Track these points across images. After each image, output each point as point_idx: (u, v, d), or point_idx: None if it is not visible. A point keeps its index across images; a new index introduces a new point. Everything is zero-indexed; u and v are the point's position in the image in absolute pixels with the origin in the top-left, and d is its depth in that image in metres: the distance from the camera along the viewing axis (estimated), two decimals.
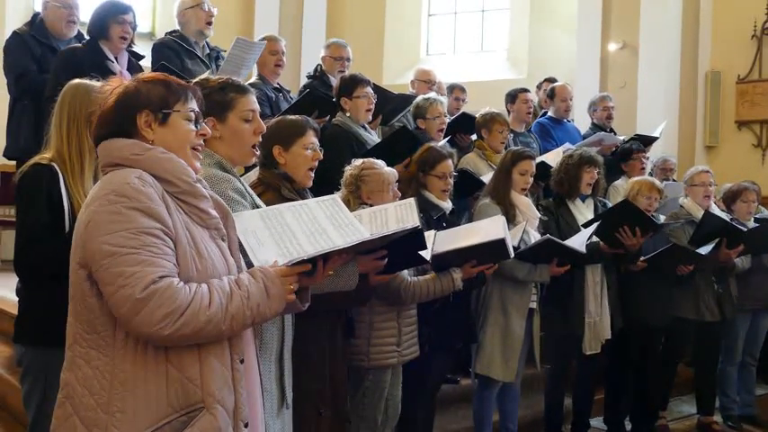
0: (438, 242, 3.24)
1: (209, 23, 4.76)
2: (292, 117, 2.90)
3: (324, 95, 4.68)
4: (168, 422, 1.66)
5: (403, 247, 2.58)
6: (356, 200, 3.24)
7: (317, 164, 2.79)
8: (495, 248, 3.41)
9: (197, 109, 1.91)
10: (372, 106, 4.46)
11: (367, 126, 4.49)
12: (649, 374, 4.73)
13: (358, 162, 3.35)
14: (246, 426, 1.79)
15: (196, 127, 1.89)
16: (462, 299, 3.71)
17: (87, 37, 4.35)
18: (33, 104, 4.31)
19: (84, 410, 1.68)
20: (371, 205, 3.18)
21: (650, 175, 5.52)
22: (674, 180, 6.09)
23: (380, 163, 3.35)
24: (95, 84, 2.60)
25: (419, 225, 2.60)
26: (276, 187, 2.70)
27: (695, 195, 4.98)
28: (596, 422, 4.84)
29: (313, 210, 2.12)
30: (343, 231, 2.07)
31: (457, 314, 3.68)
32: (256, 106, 2.39)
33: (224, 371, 1.75)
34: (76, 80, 2.69)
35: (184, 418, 1.68)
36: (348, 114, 4.40)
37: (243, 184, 2.38)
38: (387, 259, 2.56)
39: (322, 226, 2.07)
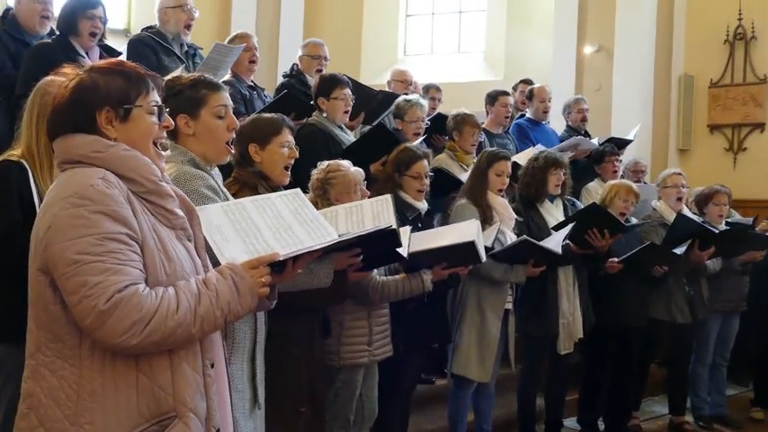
0: (413, 243, 3.24)
1: (188, 27, 4.73)
2: (268, 115, 2.90)
3: (302, 98, 4.66)
4: None
5: (378, 245, 2.58)
6: (325, 203, 3.21)
7: (293, 162, 2.78)
8: (466, 251, 3.41)
9: (159, 101, 1.80)
10: (350, 108, 4.45)
11: (343, 126, 4.48)
12: (623, 375, 4.78)
13: (323, 165, 3.32)
14: (218, 431, 1.75)
15: (159, 120, 1.79)
16: (437, 299, 3.72)
17: (57, 32, 4.28)
18: (7, 101, 4.24)
19: (51, 422, 1.60)
20: None
21: (621, 177, 5.57)
22: (645, 182, 6.15)
23: (346, 164, 3.33)
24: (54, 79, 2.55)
25: (393, 225, 2.60)
26: (252, 185, 2.69)
27: (668, 198, 5.04)
28: (570, 422, 4.88)
29: (276, 204, 2.08)
30: (309, 228, 2.04)
31: (432, 314, 3.68)
32: (229, 102, 2.38)
33: (196, 377, 1.69)
34: (50, 77, 2.64)
35: (155, 428, 1.62)
36: (325, 114, 4.39)
37: (216, 182, 2.36)
38: (362, 257, 2.56)
39: (287, 222, 2.02)
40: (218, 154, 2.37)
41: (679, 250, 4.66)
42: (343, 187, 3.25)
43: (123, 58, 4.51)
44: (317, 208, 3.09)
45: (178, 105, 2.29)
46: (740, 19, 7.82)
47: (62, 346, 1.62)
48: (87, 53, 4.15)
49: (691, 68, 8.11)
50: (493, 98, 5.93)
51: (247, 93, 4.83)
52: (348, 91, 4.42)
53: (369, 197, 3.25)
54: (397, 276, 3.38)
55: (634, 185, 4.76)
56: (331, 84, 4.40)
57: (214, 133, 2.33)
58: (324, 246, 1.97)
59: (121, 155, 1.69)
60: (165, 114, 1.82)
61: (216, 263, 1.83)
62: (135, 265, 1.60)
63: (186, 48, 4.82)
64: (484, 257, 3.51)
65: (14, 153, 2.59)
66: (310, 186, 3.30)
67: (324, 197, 3.24)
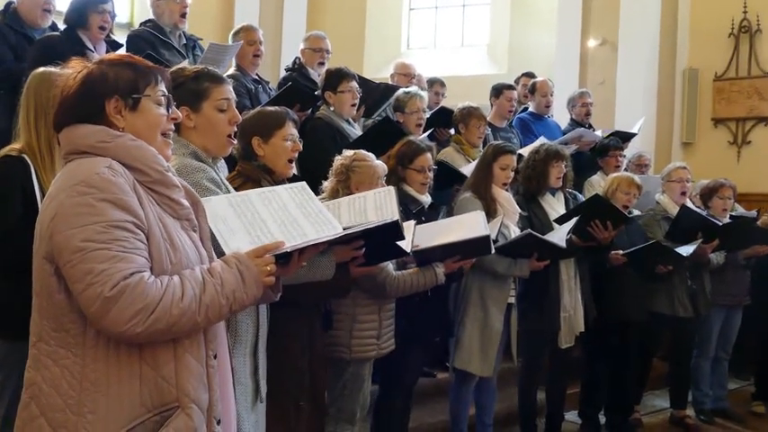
0: (419, 236, 3.25)
1: (184, 15, 4.71)
2: (271, 108, 2.89)
3: (306, 89, 4.66)
4: (141, 422, 1.61)
5: (381, 238, 2.58)
6: (345, 190, 3.24)
7: (296, 155, 2.78)
8: (479, 244, 3.44)
9: (167, 92, 1.82)
10: (357, 101, 4.46)
11: (351, 120, 4.49)
12: (624, 368, 4.78)
13: (349, 153, 3.35)
14: (219, 423, 1.75)
15: (167, 111, 1.81)
16: (440, 293, 3.73)
17: (63, 26, 4.29)
18: (10, 94, 4.24)
19: (52, 411, 1.61)
20: None
21: (625, 170, 5.56)
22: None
23: (371, 156, 3.36)
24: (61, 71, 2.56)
25: (396, 217, 2.60)
26: (256, 179, 2.68)
27: (672, 192, 5.03)
28: (571, 416, 4.89)
29: (282, 197, 2.09)
30: (314, 221, 2.04)
31: (434, 308, 3.69)
32: (232, 95, 2.38)
33: (199, 368, 1.70)
34: (41, 69, 2.64)
35: (157, 418, 1.63)
36: (332, 108, 4.39)
37: (218, 174, 2.36)
38: (364, 249, 2.56)
39: (293, 215, 2.03)
40: (219, 147, 2.37)
41: (686, 250, 4.62)
42: (365, 177, 3.26)
43: (124, 50, 4.53)
44: (338, 194, 3.14)
45: (180, 97, 2.29)
46: (745, 12, 7.78)
47: (65, 335, 1.63)
48: (95, 46, 4.17)
49: (695, 62, 8.07)
50: (498, 91, 5.92)
51: (252, 86, 4.83)
52: (355, 84, 4.43)
53: None
54: (410, 270, 3.40)
55: (636, 177, 4.74)
56: (338, 77, 4.41)
57: (215, 127, 2.33)
58: (329, 239, 1.98)
59: (128, 145, 1.70)
60: (173, 106, 1.84)
61: (221, 254, 1.83)
62: (140, 253, 1.61)
63: (185, 40, 4.81)
64: (493, 249, 3.53)
65: (15, 147, 2.59)
66: (332, 171, 3.31)
67: (344, 183, 3.26)
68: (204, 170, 2.28)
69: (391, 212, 2.85)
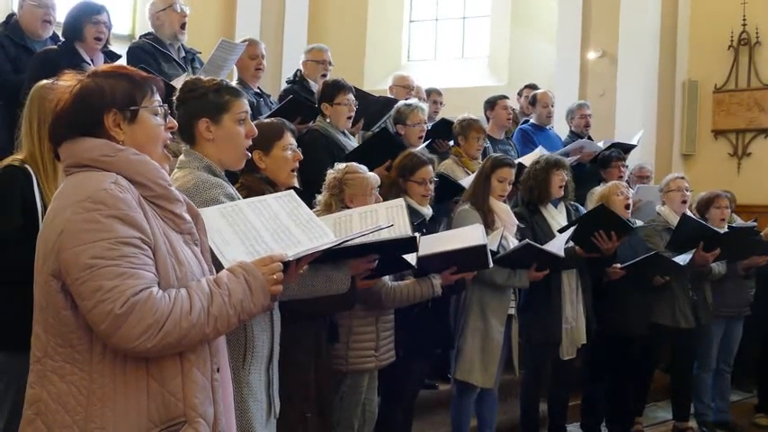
0: (420, 247, 3.25)
1: (183, 26, 4.71)
2: (268, 120, 2.90)
3: (307, 101, 4.67)
4: None
5: (394, 251, 2.58)
6: (338, 203, 3.25)
7: (297, 164, 2.78)
8: (476, 255, 3.43)
9: (162, 102, 1.81)
10: (353, 113, 4.46)
11: (347, 132, 4.49)
12: (626, 380, 4.77)
13: (341, 166, 3.37)
14: None
15: (164, 120, 1.80)
16: (440, 305, 3.73)
17: (62, 39, 4.30)
18: (8, 106, 4.25)
19: (59, 428, 1.61)
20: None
21: (627, 182, 5.57)
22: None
23: (363, 168, 3.37)
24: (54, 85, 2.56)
25: (409, 232, 2.60)
26: (259, 191, 2.67)
27: (672, 202, 5.04)
28: (573, 428, 4.87)
29: (272, 206, 2.09)
30: (305, 228, 2.05)
31: (434, 320, 3.69)
32: (248, 109, 2.39)
33: (205, 382, 1.70)
34: (44, 81, 2.66)
35: None
36: (328, 120, 4.40)
37: (233, 190, 2.35)
38: (376, 263, 2.56)
39: (284, 223, 2.04)
40: (235, 160, 2.36)
41: (683, 259, 4.62)
42: (358, 189, 3.27)
43: (123, 62, 4.54)
44: (331, 207, 3.14)
45: (200, 108, 2.29)
46: (744, 24, 7.80)
47: (72, 350, 1.63)
48: (92, 59, 4.18)
49: (695, 74, 8.10)
50: (492, 103, 5.95)
51: (254, 100, 4.83)
52: (351, 96, 4.44)
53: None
54: (407, 281, 3.40)
55: (617, 181, 4.76)
56: (334, 89, 4.42)
57: (234, 139, 2.32)
58: (327, 246, 1.98)
59: (131, 159, 1.69)
60: (169, 116, 1.84)
61: (218, 265, 1.84)
62: (148, 269, 1.61)
63: (184, 53, 4.82)
64: (492, 263, 3.53)
65: (18, 158, 2.60)
66: (326, 185, 3.33)
67: (338, 197, 3.27)
68: (221, 186, 2.27)
69: (403, 226, 2.86)
